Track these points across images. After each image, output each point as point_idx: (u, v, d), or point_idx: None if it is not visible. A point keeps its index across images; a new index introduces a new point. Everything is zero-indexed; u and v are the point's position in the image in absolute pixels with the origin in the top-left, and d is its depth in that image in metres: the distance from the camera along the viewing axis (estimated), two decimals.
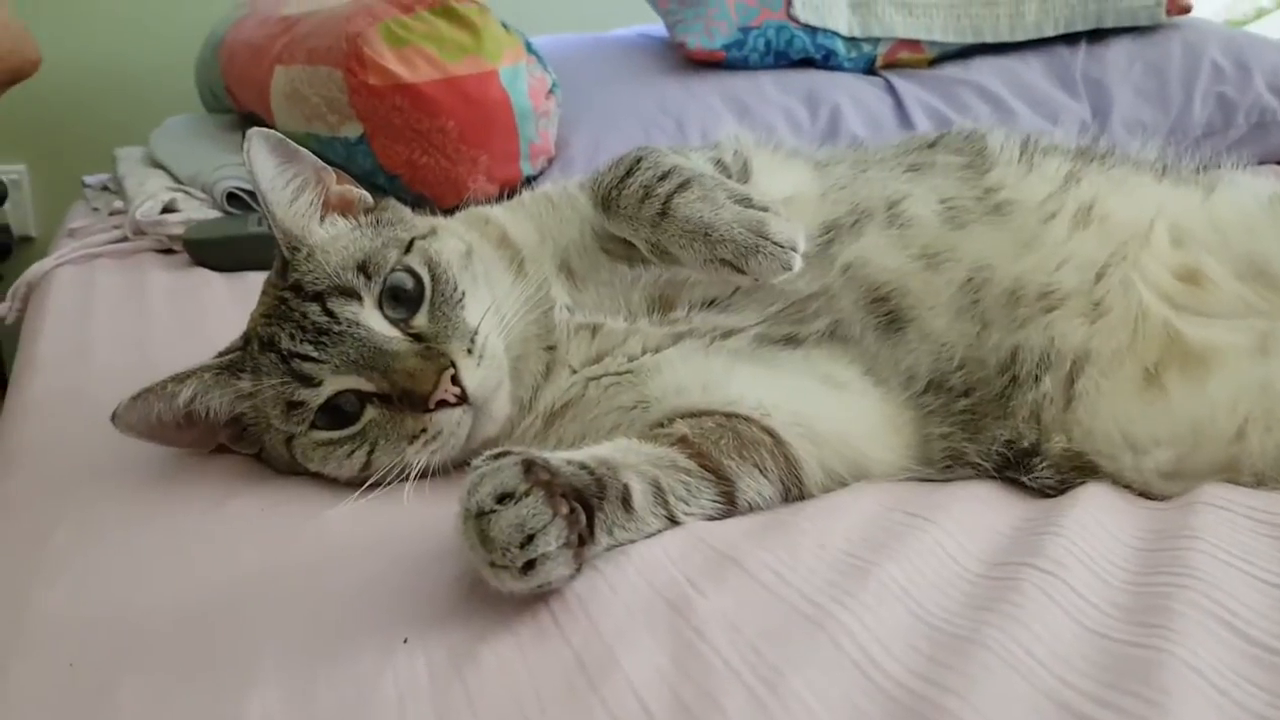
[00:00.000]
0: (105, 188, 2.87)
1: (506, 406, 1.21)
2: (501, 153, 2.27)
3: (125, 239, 2.26)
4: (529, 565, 0.87)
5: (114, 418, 1.21)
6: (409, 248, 1.24)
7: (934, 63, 2.91)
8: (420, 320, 1.19)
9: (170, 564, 1.06)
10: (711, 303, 1.30)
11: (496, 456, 0.97)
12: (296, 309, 1.19)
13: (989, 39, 2.87)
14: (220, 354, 1.27)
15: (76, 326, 1.80)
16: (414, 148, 2.22)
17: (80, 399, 1.43)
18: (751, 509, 1.12)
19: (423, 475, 1.15)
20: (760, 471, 1.15)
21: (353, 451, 1.18)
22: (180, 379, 1.23)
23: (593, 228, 1.33)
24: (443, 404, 1.14)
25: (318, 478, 1.22)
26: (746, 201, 1.17)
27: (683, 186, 1.20)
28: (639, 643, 0.84)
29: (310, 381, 1.17)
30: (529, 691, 0.80)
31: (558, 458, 1.00)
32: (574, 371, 1.28)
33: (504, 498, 0.91)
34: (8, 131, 3.43)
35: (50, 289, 2.02)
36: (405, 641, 0.88)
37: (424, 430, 1.15)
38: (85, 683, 0.87)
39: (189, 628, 0.94)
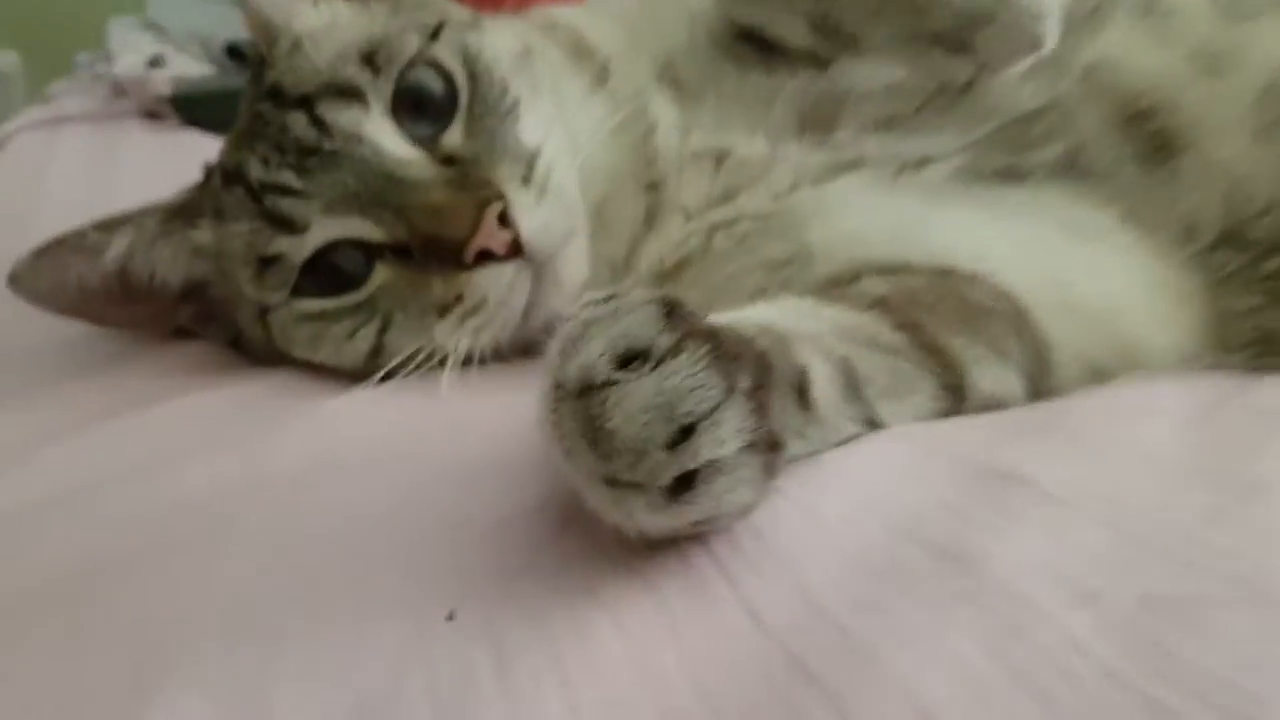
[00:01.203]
0: (97, 63, 2.46)
1: (583, 266, 0.90)
2: None
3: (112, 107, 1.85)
4: (684, 481, 0.51)
5: (12, 279, 0.91)
6: (436, 33, 0.93)
7: None
8: (453, 137, 0.88)
9: (93, 484, 0.73)
10: (888, 122, 0.97)
11: (607, 298, 0.57)
12: (274, 121, 0.89)
13: None
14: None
15: (21, 195, 1.44)
16: None
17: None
18: (983, 410, 0.80)
19: (464, 363, 0.85)
20: (997, 355, 0.82)
21: (356, 329, 0.88)
22: (108, 226, 0.93)
23: (708, 26, 1.02)
24: (486, 256, 0.82)
25: (312, 369, 0.91)
26: None
27: None
28: (908, 623, 0.49)
29: (291, 226, 0.87)
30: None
31: None
32: (691, 216, 0.97)
33: (631, 359, 0.52)
34: None
35: (4, 155, 1.63)
36: (450, 618, 0.54)
37: (459, 298, 0.84)
38: None
39: (93, 586, 0.61)
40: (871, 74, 0.95)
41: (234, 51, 1.96)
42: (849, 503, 0.60)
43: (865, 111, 0.96)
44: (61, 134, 1.76)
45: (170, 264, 0.94)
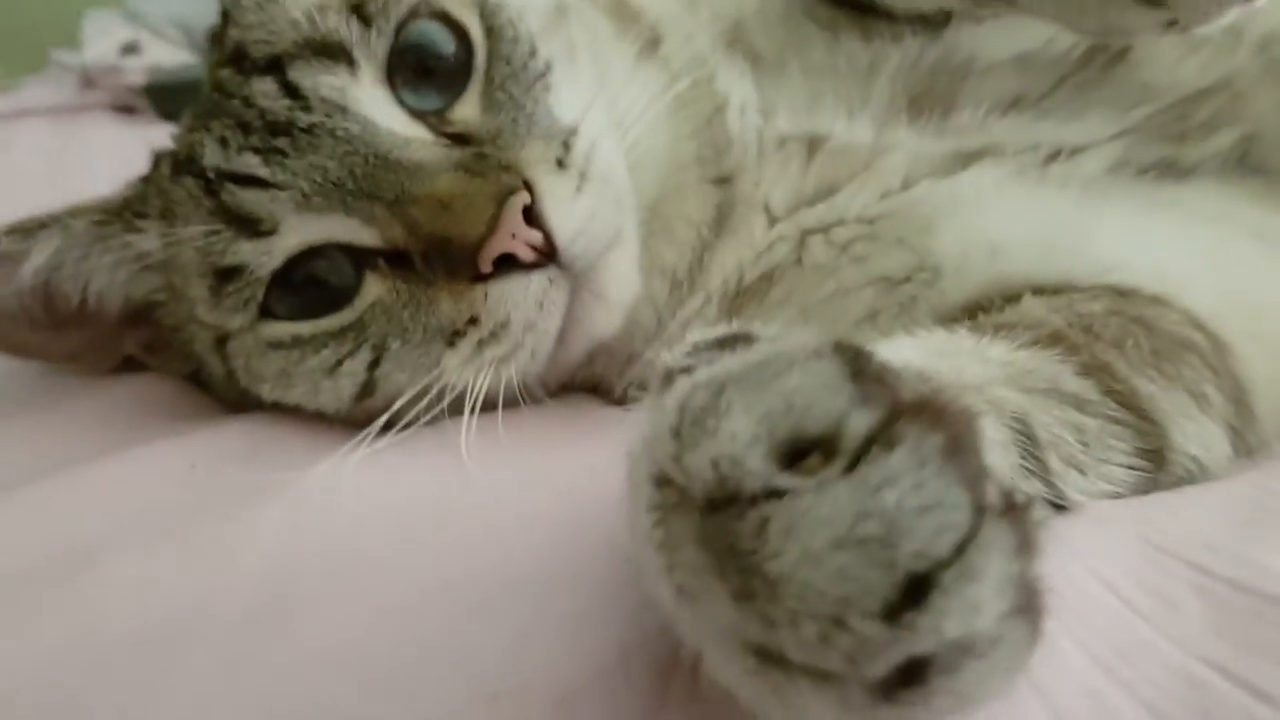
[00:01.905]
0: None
1: (633, 277, 0.72)
2: None
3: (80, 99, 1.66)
4: (909, 671, 0.30)
5: None
6: None
7: None
8: (466, 110, 0.71)
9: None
10: (1016, 102, 0.79)
11: (725, 343, 0.39)
12: (236, 93, 0.70)
13: None
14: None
15: None
16: None
17: None
18: (1186, 477, 0.62)
19: (484, 408, 0.67)
20: (1197, 402, 0.64)
21: (340, 361, 0.69)
22: (25, 230, 0.74)
23: None
24: (507, 262, 0.64)
25: (292, 412, 0.73)
26: None
27: None
28: None
29: (255, 226, 0.68)
30: None
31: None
32: (777, 219, 0.78)
33: (803, 451, 0.32)
34: None
35: None
36: None
37: (474, 320, 0.66)
38: None
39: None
40: (998, 40, 0.78)
41: None
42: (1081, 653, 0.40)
43: (991, 87, 0.79)
44: (19, 128, 1.57)
45: (108, 278, 0.75)
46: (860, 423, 0.32)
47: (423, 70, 0.70)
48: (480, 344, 0.67)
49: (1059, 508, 0.55)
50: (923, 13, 0.77)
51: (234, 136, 0.68)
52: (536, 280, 0.65)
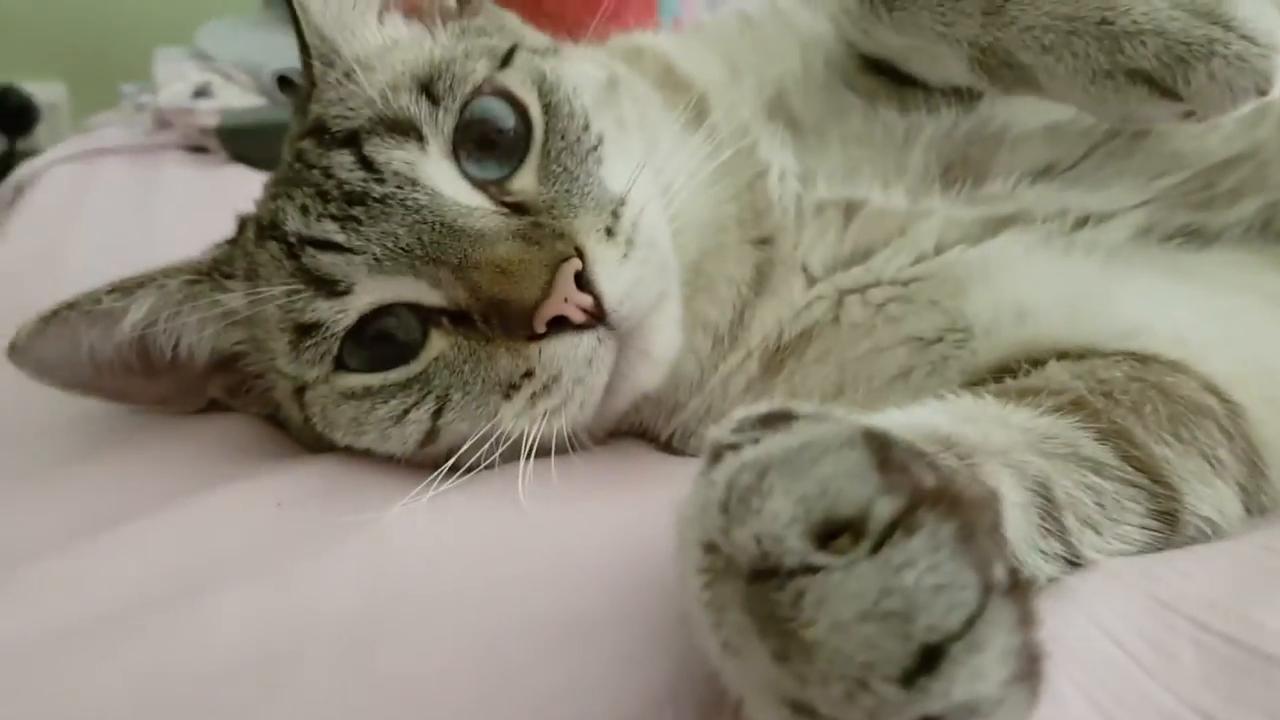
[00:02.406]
0: (144, 93, 2.36)
1: (675, 335, 0.76)
2: (636, 24, 1.70)
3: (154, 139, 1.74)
4: None
5: (13, 350, 0.77)
6: (508, 59, 0.79)
7: None
8: (524, 181, 0.76)
9: (105, 617, 0.58)
10: (1048, 169, 0.82)
11: (767, 421, 0.43)
12: (317, 163, 0.76)
13: None
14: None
15: (54, 231, 1.34)
16: (524, 15, 1.65)
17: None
18: (1198, 536, 0.65)
19: (538, 454, 0.71)
20: (1211, 465, 0.66)
21: (406, 410, 0.74)
22: (125, 289, 0.79)
23: (825, 54, 0.88)
24: (560, 323, 0.69)
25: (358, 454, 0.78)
26: None
27: None
28: None
29: (332, 287, 0.74)
30: None
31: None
32: (815, 280, 0.82)
33: (836, 531, 0.37)
34: (44, 46, 3.05)
35: (35, 191, 1.52)
36: None
37: (529, 374, 0.71)
38: None
39: None
40: (1031, 112, 0.81)
41: (285, 82, 1.83)
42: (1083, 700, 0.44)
43: (1022, 157, 0.82)
44: (99, 167, 1.65)
45: (197, 332, 0.81)
46: (884, 509, 0.36)
47: (486, 143, 0.75)
48: (534, 396, 0.71)
49: (1075, 564, 0.58)
50: (957, 86, 0.81)
51: (314, 205, 0.74)
52: (586, 340, 0.70)
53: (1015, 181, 0.81)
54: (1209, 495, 0.65)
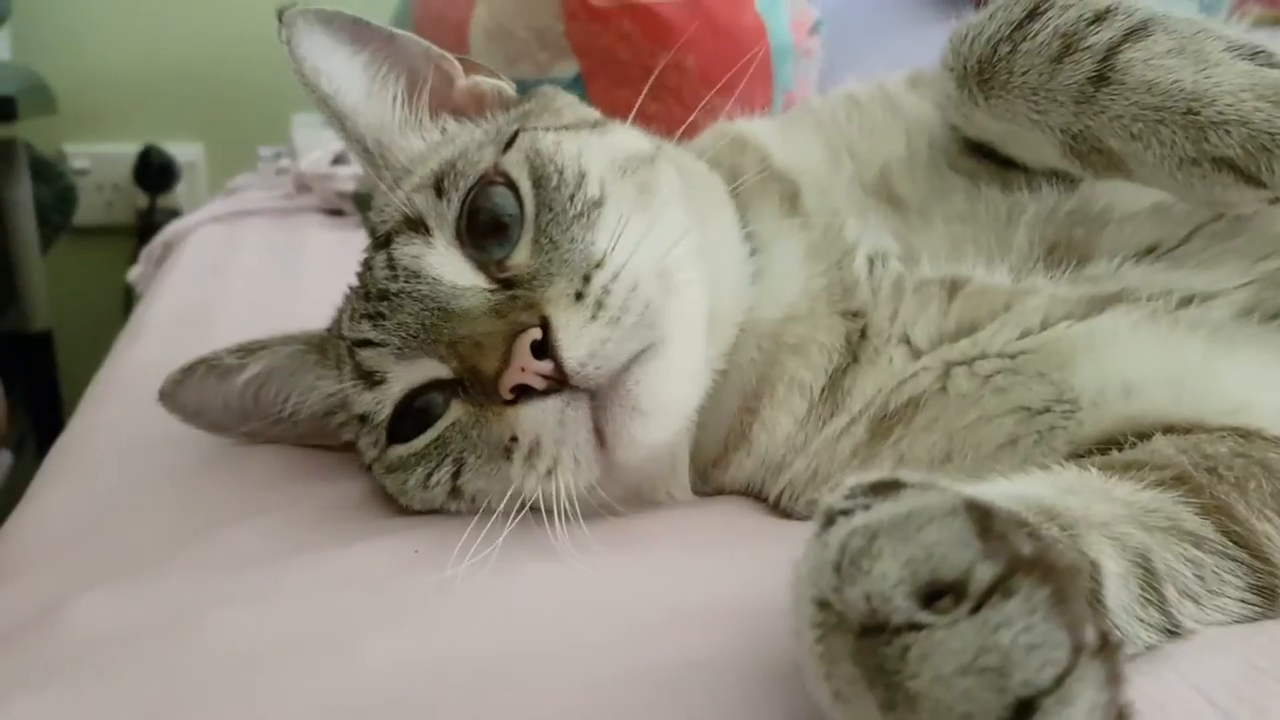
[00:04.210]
0: (279, 155, 2.51)
1: (677, 390, 0.77)
2: (751, 100, 1.74)
3: (289, 199, 1.85)
4: None
5: (161, 395, 0.91)
6: (511, 142, 0.84)
7: None
8: (520, 255, 0.79)
9: (262, 651, 0.65)
10: (1152, 249, 0.83)
11: (880, 487, 0.47)
12: (366, 267, 0.86)
13: None
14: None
15: (205, 289, 1.43)
16: (641, 90, 1.70)
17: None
18: None
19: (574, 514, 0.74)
20: None
21: (430, 474, 0.81)
22: (247, 350, 0.92)
23: (929, 136, 0.90)
24: (523, 390, 0.72)
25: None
26: (1262, 55, 0.70)
27: (1137, 31, 0.73)
28: None
29: (372, 379, 0.83)
30: None
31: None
32: (920, 352, 0.85)
33: (939, 592, 0.40)
34: (185, 110, 3.19)
35: (186, 248, 1.62)
36: None
37: (515, 438, 0.74)
38: None
39: None
40: (1134, 192, 0.82)
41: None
42: None
43: (1126, 237, 0.83)
44: (243, 228, 1.76)
45: (302, 397, 0.93)
46: (984, 573, 0.40)
47: (496, 226, 0.80)
48: (526, 458, 0.74)
49: (1174, 633, 0.60)
50: (1055, 170, 0.83)
51: (360, 307, 0.82)
52: (552, 403, 0.72)
53: (1120, 262, 0.82)
54: None
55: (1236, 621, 0.63)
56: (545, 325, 0.72)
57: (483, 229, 0.80)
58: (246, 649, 0.64)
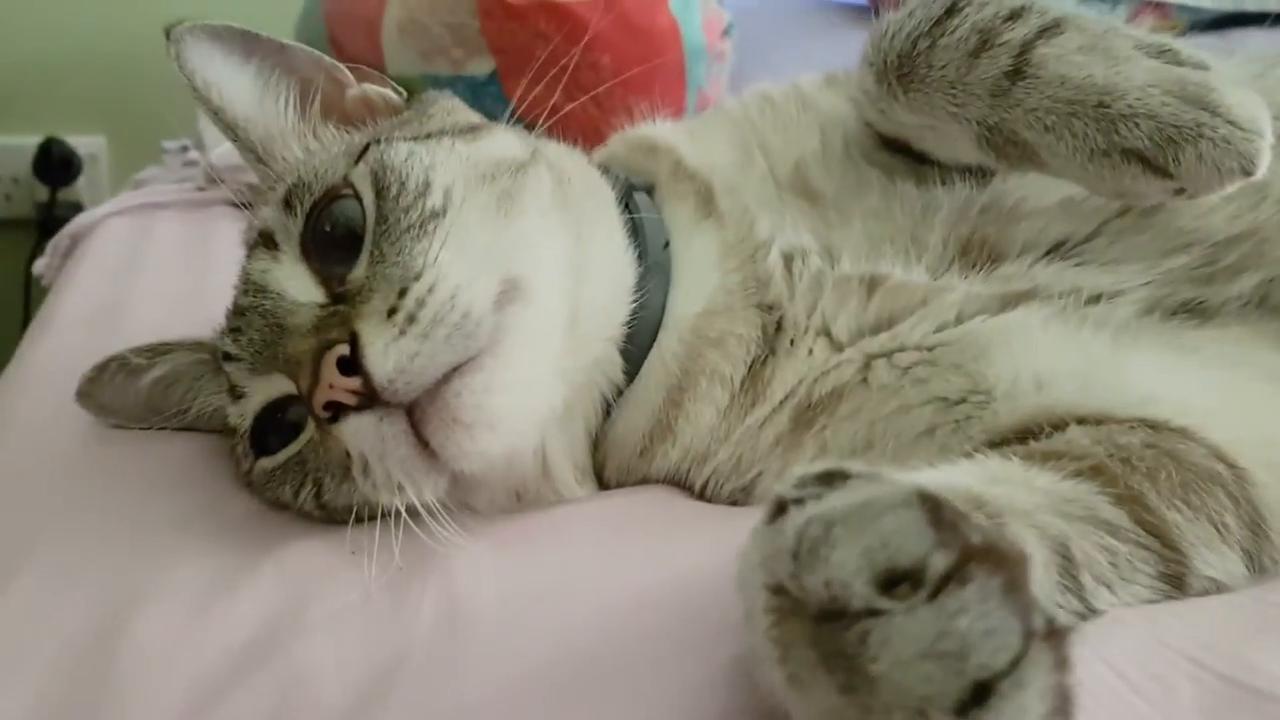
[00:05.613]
0: (185, 148, 2.43)
1: (504, 400, 0.73)
2: (664, 99, 1.76)
3: (200, 191, 1.81)
4: None
5: (80, 395, 0.93)
6: (363, 154, 0.82)
7: (1185, 33, 2.40)
8: (359, 269, 0.77)
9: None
10: (1058, 247, 0.87)
11: (827, 477, 0.48)
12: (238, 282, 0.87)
13: (1250, 7, 2.32)
14: None
15: (114, 283, 1.39)
16: (556, 89, 1.71)
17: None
18: (1200, 595, 0.70)
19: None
20: (1218, 531, 0.71)
21: (298, 488, 0.81)
22: (155, 351, 0.94)
23: (844, 132, 0.93)
24: (336, 407, 0.71)
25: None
26: (1168, 54, 0.74)
27: (1051, 28, 0.76)
28: None
29: (235, 392, 0.84)
30: None
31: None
32: (841, 346, 0.87)
33: (896, 580, 0.42)
34: (87, 102, 3.09)
35: (94, 241, 1.58)
36: None
37: (347, 453, 0.74)
38: None
39: None
40: (1043, 187, 0.86)
41: None
42: None
43: (1036, 232, 0.86)
44: (153, 220, 1.71)
45: (203, 401, 0.94)
46: (940, 562, 0.42)
47: (348, 240, 0.78)
48: (364, 473, 0.73)
49: (1087, 618, 0.64)
50: (969, 165, 0.86)
51: (228, 320, 0.84)
52: (366, 419, 0.71)
53: (1031, 261, 0.86)
54: (1215, 560, 0.70)
55: (1143, 604, 0.66)
56: (355, 341, 0.70)
57: (333, 243, 0.78)
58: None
